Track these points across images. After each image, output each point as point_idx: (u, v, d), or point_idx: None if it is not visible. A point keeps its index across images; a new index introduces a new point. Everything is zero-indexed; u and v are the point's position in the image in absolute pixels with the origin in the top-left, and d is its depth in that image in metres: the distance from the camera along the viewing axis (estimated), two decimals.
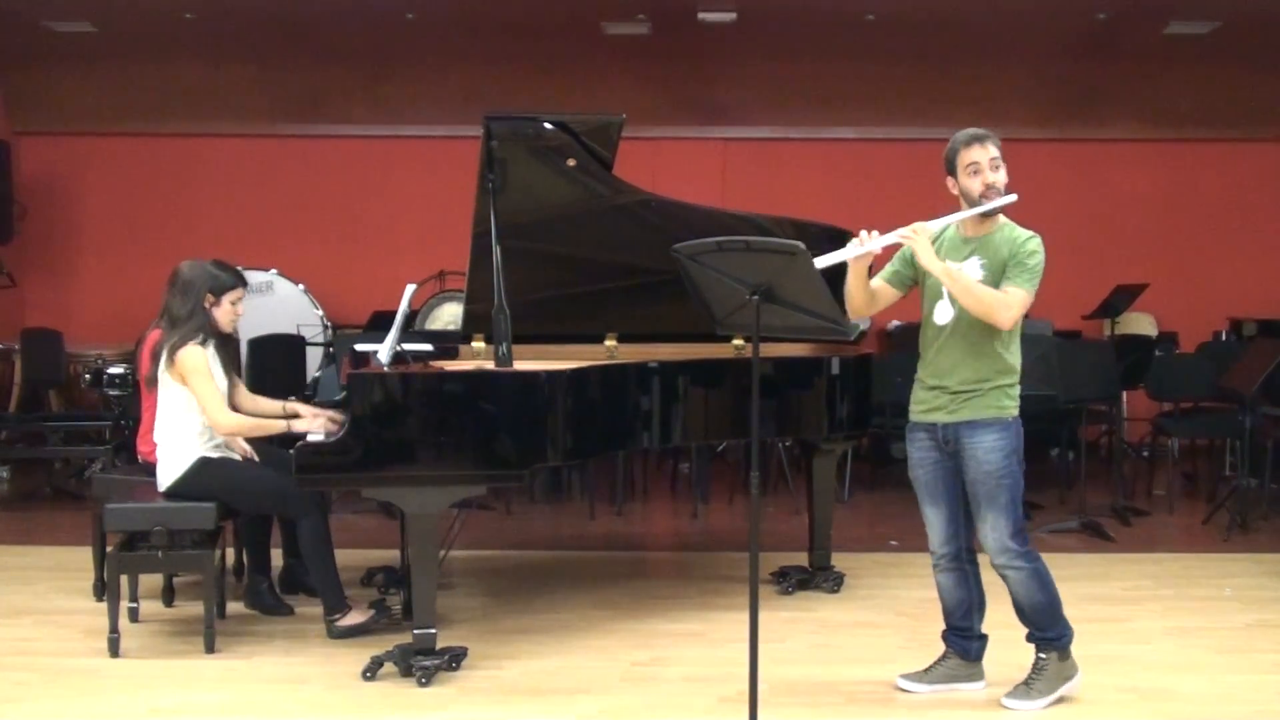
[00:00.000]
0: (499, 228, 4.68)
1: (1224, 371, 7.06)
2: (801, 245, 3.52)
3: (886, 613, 5.13)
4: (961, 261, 3.97)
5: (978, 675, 4.24)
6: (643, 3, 8.11)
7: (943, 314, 3.99)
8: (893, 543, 6.41)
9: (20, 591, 5.38)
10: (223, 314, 4.83)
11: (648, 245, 5.13)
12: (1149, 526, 6.84)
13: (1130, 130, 9.18)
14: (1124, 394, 7.31)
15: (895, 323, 9.07)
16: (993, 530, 3.98)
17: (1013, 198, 3.91)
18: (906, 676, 4.25)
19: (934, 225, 3.95)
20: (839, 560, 5.59)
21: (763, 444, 5.79)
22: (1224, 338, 9.00)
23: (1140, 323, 8.97)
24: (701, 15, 8.18)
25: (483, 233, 4.76)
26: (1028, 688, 4.07)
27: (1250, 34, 8.46)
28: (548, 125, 4.89)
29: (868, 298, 4.06)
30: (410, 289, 5.02)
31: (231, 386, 4.85)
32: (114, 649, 4.51)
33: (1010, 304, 3.87)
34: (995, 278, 3.91)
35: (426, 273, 8.38)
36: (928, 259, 3.88)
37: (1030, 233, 3.96)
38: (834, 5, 8.16)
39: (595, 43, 8.66)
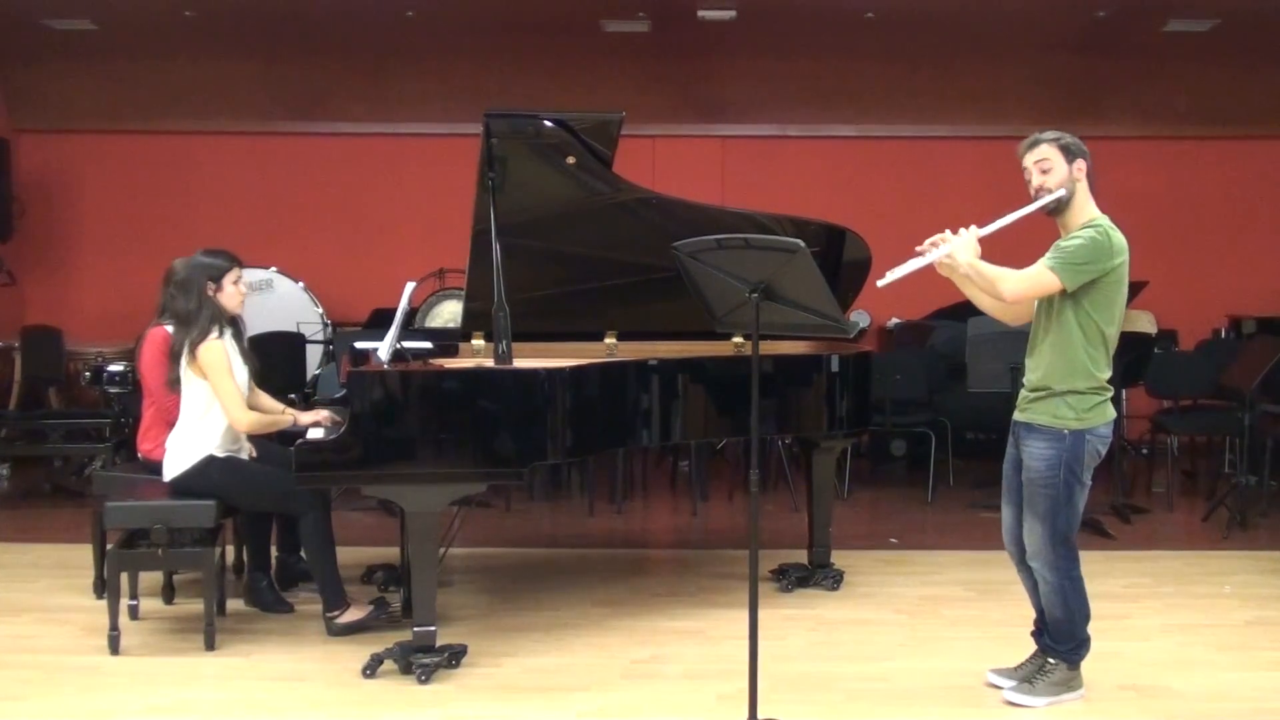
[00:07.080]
0: (499, 225, 4.68)
1: (1223, 369, 7.07)
2: (801, 243, 3.53)
3: (886, 610, 5.13)
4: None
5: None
6: (642, 0, 8.10)
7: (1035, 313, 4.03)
8: (892, 540, 6.42)
9: (21, 589, 5.39)
10: (227, 297, 4.81)
11: (647, 243, 5.13)
12: (1148, 524, 6.84)
13: (1130, 128, 9.17)
14: (1123, 391, 7.30)
15: (895, 320, 9.07)
16: (1029, 534, 4.03)
17: (1058, 194, 3.91)
18: (997, 671, 4.23)
19: (986, 229, 3.92)
20: (839, 558, 5.59)
21: (762, 441, 5.80)
22: (1223, 335, 9.00)
23: (1140, 320, 8.93)
24: (701, 13, 8.17)
25: (482, 230, 4.76)
26: (1031, 685, 4.08)
27: (1249, 31, 8.46)
28: (548, 123, 4.89)
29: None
30: (410, 286, 5.02)
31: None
32: (114, 646, 4.52)
33: (1010, 277, 3.85)
34: None
35: (426, 270, 8.37)
36: (964, 256, 3.86)
37: (1095, 221, 3.94)
38: (833, 3, 8.15)
39: (595, 40, 8.66)
